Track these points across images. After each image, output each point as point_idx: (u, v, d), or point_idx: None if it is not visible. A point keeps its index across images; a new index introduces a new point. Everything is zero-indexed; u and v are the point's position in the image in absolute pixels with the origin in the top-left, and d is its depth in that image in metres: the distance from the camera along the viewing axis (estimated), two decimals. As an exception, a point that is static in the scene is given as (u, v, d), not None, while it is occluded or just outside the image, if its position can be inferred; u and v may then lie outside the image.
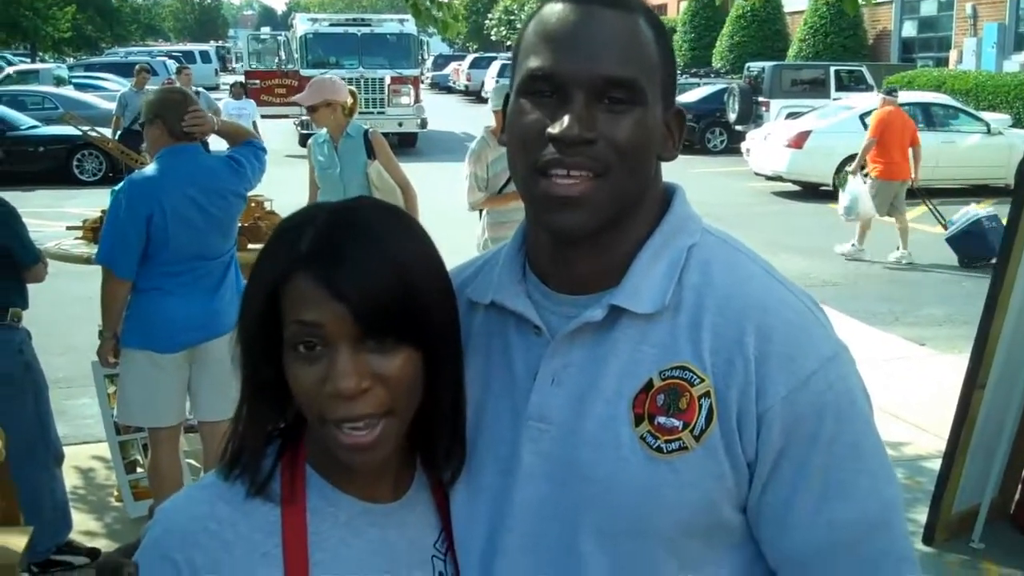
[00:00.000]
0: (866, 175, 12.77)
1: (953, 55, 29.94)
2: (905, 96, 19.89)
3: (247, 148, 4.92)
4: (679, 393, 1.35)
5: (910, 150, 12.84)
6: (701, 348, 1.36)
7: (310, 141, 6.93)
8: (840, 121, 18.25)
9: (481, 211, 6.84)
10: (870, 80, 25.37)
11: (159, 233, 4.52)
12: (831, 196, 17.45)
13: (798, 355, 1.34)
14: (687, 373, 1.35)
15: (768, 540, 1.39)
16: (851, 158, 17.46)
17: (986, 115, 19.14)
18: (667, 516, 1.35)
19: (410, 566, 1.45)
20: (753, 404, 1.33)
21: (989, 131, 18.05)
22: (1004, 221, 5.52)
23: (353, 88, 6.83)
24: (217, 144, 5.11)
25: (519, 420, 1.43)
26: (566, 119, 1.32)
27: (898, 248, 12.76)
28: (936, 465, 5.23)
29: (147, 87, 16.90)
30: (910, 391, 7.28)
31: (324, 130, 6.73)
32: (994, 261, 11.72)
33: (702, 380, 1.35)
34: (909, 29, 34.42)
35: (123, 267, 4.54)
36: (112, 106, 20.58)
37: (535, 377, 1.43)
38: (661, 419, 1.35)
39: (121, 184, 4.73)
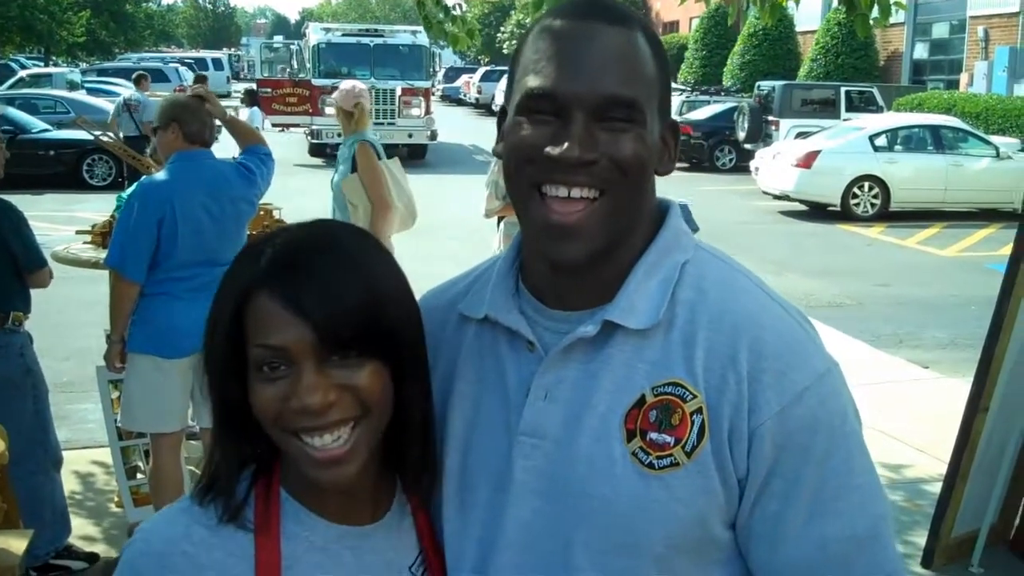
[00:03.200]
0: None
1: (964, 78, 29.93)
2: (915, 118, 20.00)
3: (253, 155, 4.96)
4: (671, 409, 1.35)
5: None
6: (694, 364, 1.36)
7: None
8: (849, 142, 18.29)
9: (499, 223, 6.83)
10: (880, 101, 25.38)
11: (169, 237, 4.55)
12: (838, 217, 17.49)
13: (790, 371, 1.35)
14: (680, 389, 1.36)
15: (757, 556, 1.39)
16: (860, 179, 17.59)
17: (996, 139, 19.12)
18: (658, 532, 1.35)
19: None
20: (745, 420, 1.33)
21: (998, 155, 18.03)
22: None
23: (362, 100, 6.66)
24: (222, 152, 5.15)
25: (511, 436, 1.43)
26: (566, 141, 1.32)
27: None
28: (937, 488, 5.21)
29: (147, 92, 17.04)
30: (913, 414, 7.27)
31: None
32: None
33: (695, 396, 1.35)
34: (920, 51, 34.41)
35: (133, 270, 4.56)
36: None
37: (528, 393, 1.43)
38: (653, 435, 1.35)
39: (133, 188, 4.75)
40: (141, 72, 19.77)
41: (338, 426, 1.33)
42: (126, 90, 22.05)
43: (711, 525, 1.37)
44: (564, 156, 1.32)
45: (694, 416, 1.34)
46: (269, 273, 1.32)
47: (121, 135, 16.37)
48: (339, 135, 6.75)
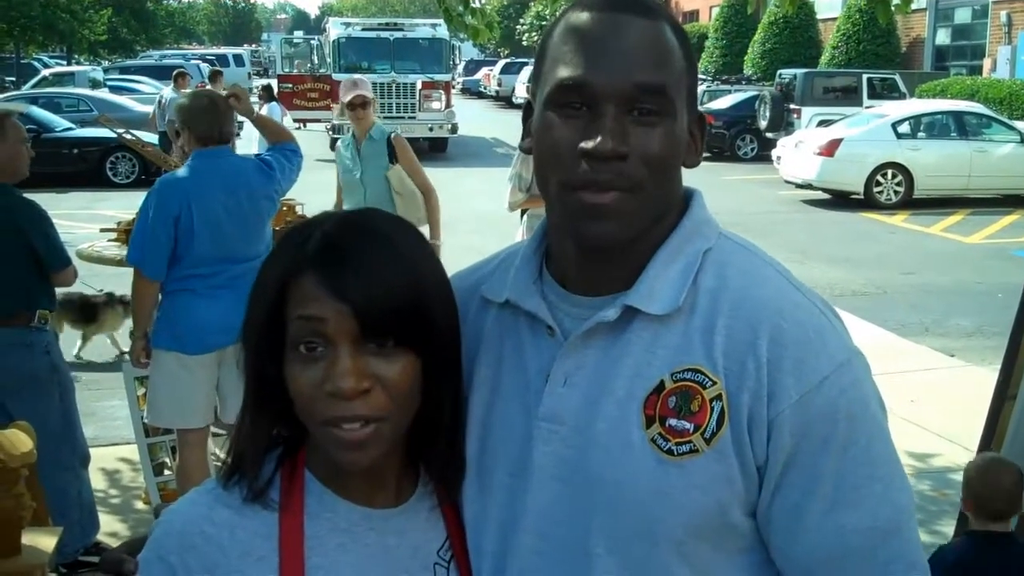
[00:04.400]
0: None
1: (987, 63, 29.69)
2: (938, 104, 19.86)
3: (278, 151, 4.97)
4: (691, 395, 1.35)
5: None
6: (714, 351, 1.36)
7: (338, 144, 6.92)
8: (872, 129, 18.16)
9: (522, 215, 6.84)
10: (903, 88, 25.18)
11: (187, 234, 4.57)
12: (862, 205, 17.40)
13: (810, 359, 1.34)
14: (699, 375, 1.35)
15: (777, 546, 1.39)
16: (883, 166, 17.49)
17: (1020, 124, 18.93)
18: (676, 518, 1.35)
19: (410, 572, 1.45)
20: (764, 408, 1.33)
21: (1023, 140, 17.88)
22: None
23: (362, 92, 6.64)
24: (244, 147, 5.16)
25: (531, 421, 1.43)
26: (599, 134, 1.32)
27: None
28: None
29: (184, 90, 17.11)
30: (939, 402, 7.23)
31: (350, 132, 6.76)
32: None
33: (714, 383, 1.34)
34: (943, 37, 34.15)
35: (152, 268, 4.59)
36: (147, 108, 20.77)
37: (547, 378, 1.43)
38: (672, 421, 1.35)
39: (153, 185, 4.79)
40: (180, 70, 19.85)
41: (362, 420, 1.34)
42: (166, 88, 22.12)
43: (730, 512, 1.36)
44: (597, 150, 1.32)
45: (713, 403, 1.34)
46: (315, 255, 1.35)
47: (158, 132, 16.62)
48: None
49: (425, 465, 1.51)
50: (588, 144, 1.32)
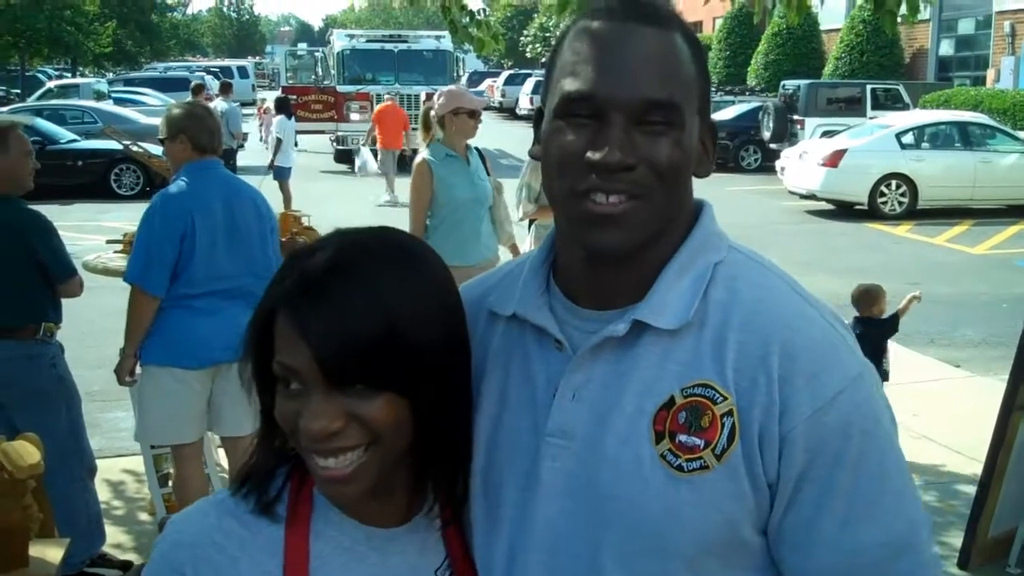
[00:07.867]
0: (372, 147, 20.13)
1: (991, 74, 29.70)
2: (942, 115, 19.85)
3: None
4: (701, 411, 1.33)
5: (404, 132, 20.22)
6: (725, 366, 1.34)
7: (423, 161, 6.11)
8: (876, 140, 18.15)
9: (530, 225, 6.85)
10: (907, 99, 25.18)
11: (189, 249, 4.52)
12: (866, 215, 17.38)
13: (823, 374, 1.32)
14: (710, 391, 1.33)
15: (789, 563, 1.37)
16: (888, 177, 17.48)
17: (1024, 135, 18.97)
18: (687, 535, 1.33)
19: None
20: (776, 424, 1.31)
21: (1028, 151, 17.87)
22: None
23: (475, 100, 6.25)
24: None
25: (539, 436, 1.42)
26: (606, 146, 1.31)
27: (387, 193, 18.60)
28: (971, 488, 5.17)
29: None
30: (945, 413, 7.21)
31: (428, 148, 6.20)
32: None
33: (725, 398, 1.33)
34: (946, 48, 34.17)
35: (156, 284, 4.52)
36: (152, 120, 20.82)
37: (555, 392, 1.41)
38: (682, 437, 1.33)
39: (153, 201, 4.71)
40: (198, 82, 19.94)
41: (345, 451, 1.33)
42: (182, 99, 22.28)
43: (741, 529, 1.35)
44: (605, 161, 1.30)
45: (724, 418, 1.32)
46: (289, 296, 1.33)
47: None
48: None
49: (432, 483, 1.48)
50: (595, 155, 1.31)
